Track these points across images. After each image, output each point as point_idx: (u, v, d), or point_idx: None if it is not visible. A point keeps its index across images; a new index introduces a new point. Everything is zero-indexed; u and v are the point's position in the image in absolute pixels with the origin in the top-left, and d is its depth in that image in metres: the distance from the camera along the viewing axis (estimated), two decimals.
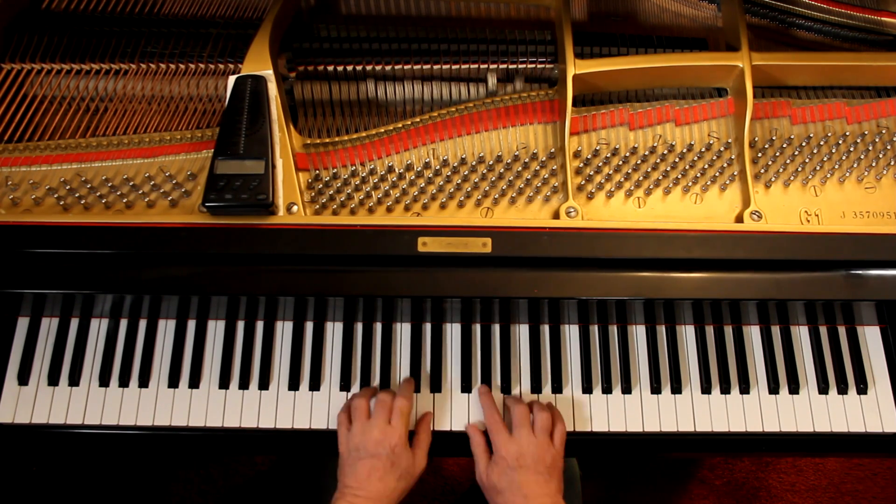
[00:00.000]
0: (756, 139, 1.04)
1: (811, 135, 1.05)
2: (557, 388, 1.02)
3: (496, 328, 1.06)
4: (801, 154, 1.03)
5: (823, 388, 1.03)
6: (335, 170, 1.00)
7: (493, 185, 1.00)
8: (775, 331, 1.06)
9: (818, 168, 1.02)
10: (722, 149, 1.02)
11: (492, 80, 1.06)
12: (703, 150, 1.03)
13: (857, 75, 1.06)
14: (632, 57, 1.04)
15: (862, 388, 1.03)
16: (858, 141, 1.04)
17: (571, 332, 1.06)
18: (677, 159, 1.02)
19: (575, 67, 1.00)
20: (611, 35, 1.10)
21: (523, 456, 0.91)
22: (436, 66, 1.06)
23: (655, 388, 1.02)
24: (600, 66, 1.01)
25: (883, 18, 1.12)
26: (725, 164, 1.02)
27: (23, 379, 1.01)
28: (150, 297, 0.99)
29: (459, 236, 0.93)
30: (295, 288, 0.95)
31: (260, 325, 1.05)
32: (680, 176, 1.01)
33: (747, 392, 1.03)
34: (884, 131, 1.05)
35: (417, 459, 0.94)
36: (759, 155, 1.03)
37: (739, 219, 0.99)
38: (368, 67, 1.06)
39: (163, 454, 1.69)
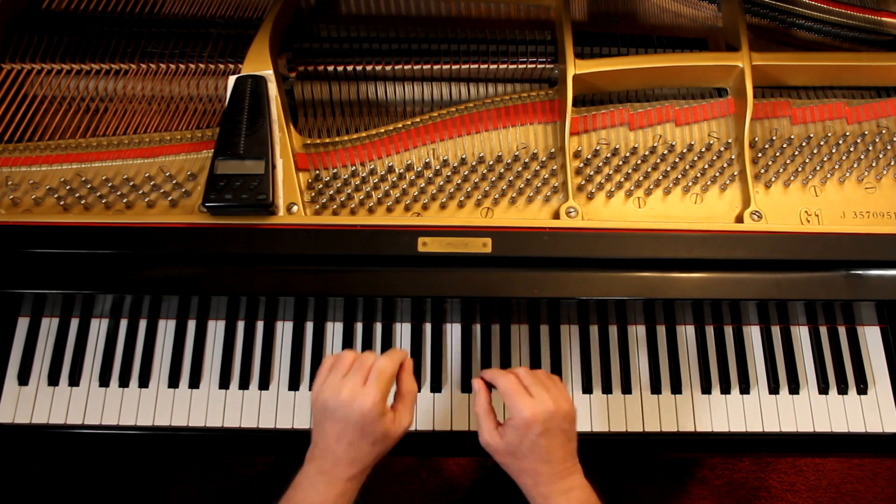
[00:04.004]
0: (756, 139, 1.04)
1: (811, 135, 1.05)
2: None
3: (496, 328, 1.06)
4: (801, 154, 1.03)
5: (823, 389, 1.03)
6: (335, 170, 1.00)
7: (493, 185, 1.00)
8: (775, 331, 1.06)
9: (818, 168, 1.02)
10: (722, 149, 1.02)
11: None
12: (703, 150, 1.03)
13: (857, 75, 1.06)
14: (632, 57, 1.04)
15: (862, 388, 1.03)
16: (858, 141, 1.04)
17: (571, 333, 1.06)
18: (677, 159, 1.02)
19: (575, 67, 1.00)
20: (611, 35, 1.10)
21: (551, 417, 0.81)
22: (436, 66, 1.06)
23: (655, 388, 1.02)
24: (600, 66, 1.01)
25: (883, 18, 1.12)
26: (725, 164, 1.02)
27: (23, 379, 1.01)
28: (151, 298, 0.99)
29: (459, 236, 0.93)
30: (295, 288, 0.95)
31: (260, 326, 1.05)
32: (680, 176, 1.01)
33: (747, 392, 1.03)
34: (884, 131, 1.05)
35: (399, 418, 0.83)
36: (759, 155, 1.03)
37: (739, 219, 0.99)
38: (368, 67, 1.06)
39: (163, 454, 1.69)
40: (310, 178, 0.99)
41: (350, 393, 0.79)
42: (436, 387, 1.02)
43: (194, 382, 1.02)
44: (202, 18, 1.11)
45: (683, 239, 0.94)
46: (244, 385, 1.02)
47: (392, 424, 0.82)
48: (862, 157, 1.03)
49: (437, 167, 1.01)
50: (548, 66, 1.07)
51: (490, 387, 0.89)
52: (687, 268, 0.95)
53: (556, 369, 1.03)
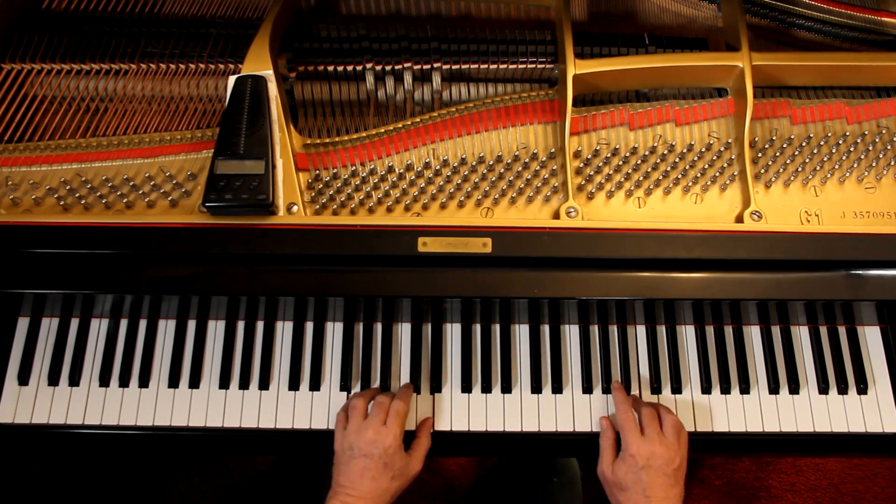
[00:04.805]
0: (756, 139, 1.04)
1: (811, 135, 1.05)
2: (558, 388, 1.02)
3: (496, 328, 1.06)
4: (801, 154, 1.03)
5: (823, 389, 1.03)
6: (335, 170, 1.00)
7: (494, 185, 1.00)
8: (775, 331, 1.06)
9: (818, 168, 1.02)
10: (722, 149, 1.02)
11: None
12: (703, 150, 1.03)
13: (857, 75, 1.06)
14: (632, 57, 1.04)
15: (862, 389, 1.03)
16: (858, 141, 1.04)
17: (571, 333, 1.06)
18: (677, 159, 1.02)
19: (575, 67, 1.00)
20: (611, 35, 1.10)
21: (654, 456, 0.90)
22: (436, 66, 1.06)
23: (656, 388, 1.02)
24: (600, 66, 1.01)
25: (883, 18, 1.12)
26: (725, 164, 1.02)
27: (23, 379, 1.01)
28: (151, 298, 0.99)
29: (459, 236, 0.93)
30: (295, 288, 0.95)
31: (260, 326, 1.05)
32: (680, 176, 1.01)
33: (747, 392, 1.03)
34: (884, 131, 1.05)
35: (413, 462, 0.94)
36: (759, 155, 1.03)
37: (739, 219, 0.99)
38: (368, 67, 1.06)
39: (163, 454, 1.69)
40: (310, 178, 0.99)
41: (374, 432, 0.90)
42: (436, 387, 1.02)
43: (194, 382, 1.02)
44: (202, 18, 1.11)
45: (683, 239, 0.94)
46: (244, 385, 1.02)
47: (407, 464, 0.92)
48: (862, 157, 1.03)
49: (437, 167, 1.01)
50: (548, 66, 1.07)
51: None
52: (687, 268, 0.95)
53: (557, 369, 1.03)
